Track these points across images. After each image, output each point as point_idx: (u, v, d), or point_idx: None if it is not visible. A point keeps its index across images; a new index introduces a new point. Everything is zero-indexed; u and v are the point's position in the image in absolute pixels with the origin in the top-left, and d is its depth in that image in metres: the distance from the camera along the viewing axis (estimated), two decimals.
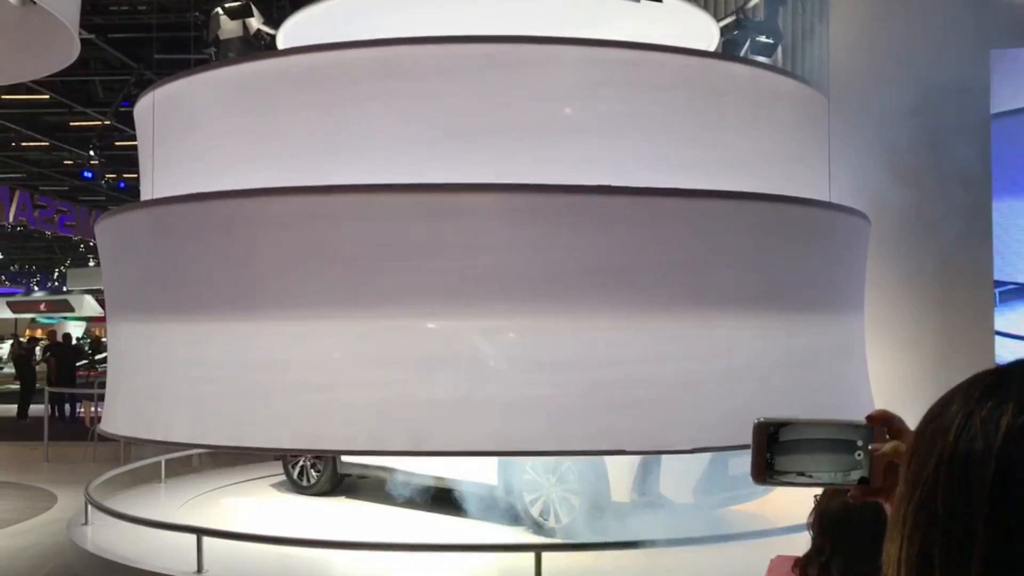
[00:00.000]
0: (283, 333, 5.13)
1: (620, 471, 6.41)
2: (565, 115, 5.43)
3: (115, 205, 14.80)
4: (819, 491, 3.18)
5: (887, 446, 1.12)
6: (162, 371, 5.59)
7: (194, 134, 5.99)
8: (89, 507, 7.18)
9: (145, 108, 6.36)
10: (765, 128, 5.96)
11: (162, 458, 9.12)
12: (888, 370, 7.01)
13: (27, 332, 28.49)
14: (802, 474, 1.13)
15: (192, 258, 5.46)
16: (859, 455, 1.12)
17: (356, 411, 5.02)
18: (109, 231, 6.30)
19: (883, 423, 1.13)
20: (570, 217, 5.10)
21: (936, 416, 0.78)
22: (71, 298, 35.16)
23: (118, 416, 6.07)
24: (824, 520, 3.16)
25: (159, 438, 5.80)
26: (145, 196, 6.39)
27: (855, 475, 1.12)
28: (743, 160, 5.74)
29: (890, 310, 8.06)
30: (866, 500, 1.15)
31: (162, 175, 6.06)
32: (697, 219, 5.30)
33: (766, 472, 1.14)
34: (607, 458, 6.44)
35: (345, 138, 5.36)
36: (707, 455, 6.51)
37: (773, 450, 1.13)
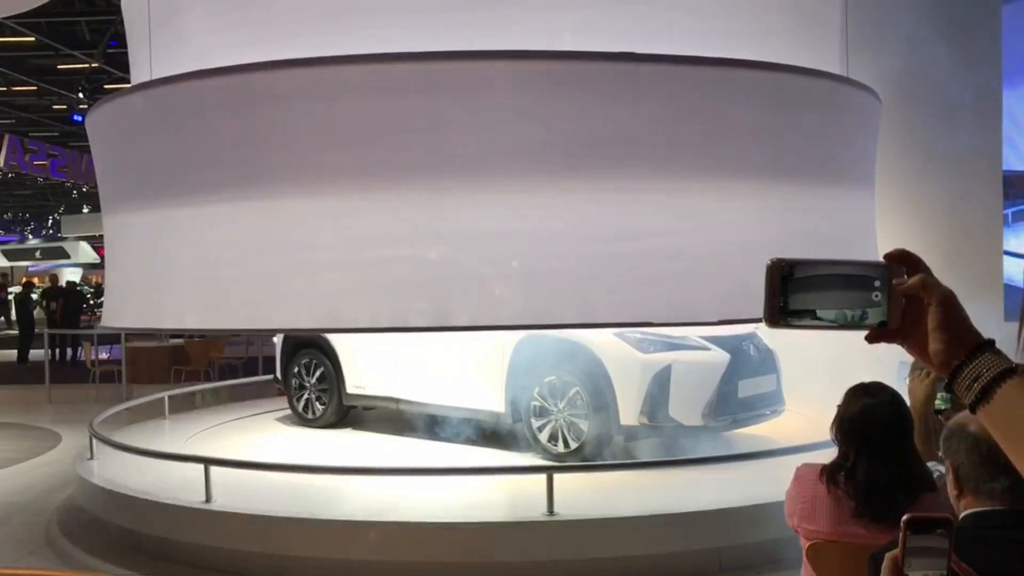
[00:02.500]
0: (297, 212, 5.00)
1: (629, 395, 6.36)
2: None
3: None
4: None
5: (913, 279, 1.07)
6: (170, 258, 5.46)
7: (189, 12, 5.76)
8: (94, 442, 7.12)
9: None
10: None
11: (165, 394, 9.07)
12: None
13: (23, 279, 28.34)
14: (817, 317, 1.06)
15: (196, 139, 5.29)
16: (876, 296, 1.06)
17: (376, 289, 4.92)
18: (105, 120, 6.08)
19: (902, 262, 1.08)
20: (588, 85, 4.94)
21: None
22: (66, 245, 34.96)
23: (123, 309, 5.94)
24: (845, 424, 3.10)
25: (170, 326, 5.69)
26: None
27: (873, 317, 1.06)
28: (759, 32, 5.59)
29: (898, 197, 7.99)
30: (883, 341, 1.09)
31: (159, 58, 5.82)
32: (717, 88, 5.17)
33: (779, 315, 1.07)
34: (616, 383, 6.38)
35: (345, 6, 5.16)
36: (716, 378, 6.48)
37: (787, 292, 1.06)
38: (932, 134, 8.16)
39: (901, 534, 1.10)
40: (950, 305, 1.08)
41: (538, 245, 4.88)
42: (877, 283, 1.06)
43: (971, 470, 2.10)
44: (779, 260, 1.07)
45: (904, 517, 1.10)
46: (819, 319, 1.07)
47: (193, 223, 5.32)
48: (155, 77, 5.70)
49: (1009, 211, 8.38)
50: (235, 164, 5.17)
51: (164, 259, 5.51)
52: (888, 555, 1.11)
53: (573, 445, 6.54)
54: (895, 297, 1.06)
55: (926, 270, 1.09)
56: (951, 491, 2.20)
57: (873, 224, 6.22)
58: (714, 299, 5.09)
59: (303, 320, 5.21)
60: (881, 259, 1.09)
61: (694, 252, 5.06)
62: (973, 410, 1.09)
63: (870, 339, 1.09)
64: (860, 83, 5.98)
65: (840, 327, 1.07)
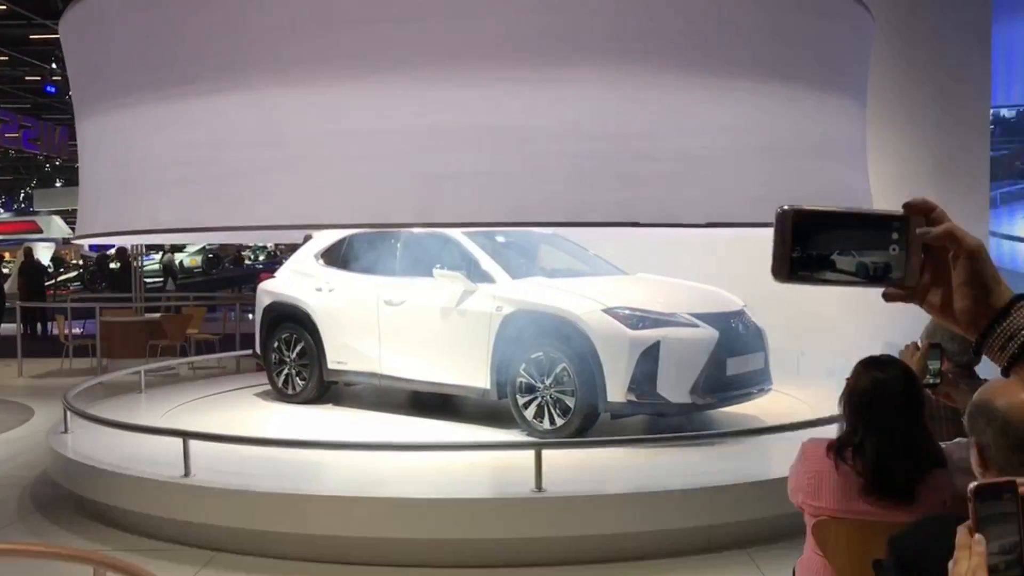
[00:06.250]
0: (276, 105, 4.82)
1: (617, 371, 6.26)
2: None
3: None
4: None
5: (939, 228, 0.97)
6: (143, 158, 5.27)
7: None
8: (68, 415, 6.94)
9: None
10: None
11: (141, 368, 8.89)
12: (880, 193, 6.86)
13: None
14: (830, 270, 0.97)
15: (170, 31, 5.09)
16: (894, 249, 0.97)
17: (358, 184, 4.78)
18: (77, 21, 5.85)
19: (922, 212, 0.98)
20: None
21: None
22: (39, 219, 34.42)
23: (95, 216, 5.75)
24: (854, 398, 3.00)
25: (143, 227, 5.49)
26: None
27: (891, 274, 0.97)
28: None
29: (887, 129, 7.97)
30: (900, 300, 1.00)
31: None
32: None
33: (789, 269, 0.97)
34: (604, 359, 6.28)
35: None
36: (705, 356, 6.40)
37: (797, 244, 0.97)
38: (925, 57, 8.16)
39: (970, 504, 1.01)
40: (980, 257, 0.98)
41: (524, 141, 4.76)
42: (895, 235, 0.97)
43: (998, 452, 2.02)
44: (790, 209, 0.97)
45: (970, 486, 1.01)
46: (837, 272, 0.97)
47: (164, 121, 5.14)
48: None
49: (997, 192, 8.36)
50: (208, 58, 4.99)
51: (135, 160, 5.33)
52: (961, 527, 1.03)
53: (559, 422, 6.44)
54: (914, 251, 0.97)
55: (947, 219, 0.99)
56: (976, 468, 2.11)
57: (864, 142, 6.15)
58: (703, 202, 5.02)
59: (282, 217, 5.07)
60: (899, 209, 1.00)
61: (683, 153, 4.97)
62: (1007, 372, 1.00)
63: (887, 297, 1.00)
64: None
65: (858, 283, 0.98)
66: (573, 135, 4.76)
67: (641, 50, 4.84)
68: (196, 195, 5.08)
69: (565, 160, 4.76)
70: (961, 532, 1.02)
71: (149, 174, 5.25)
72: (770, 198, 5.23)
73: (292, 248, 9.01)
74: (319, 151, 4.78)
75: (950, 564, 1.02)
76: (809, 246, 0.97)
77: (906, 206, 1.00)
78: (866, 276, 0.98)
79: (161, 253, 28.27)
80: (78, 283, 26.84)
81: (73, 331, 13.67)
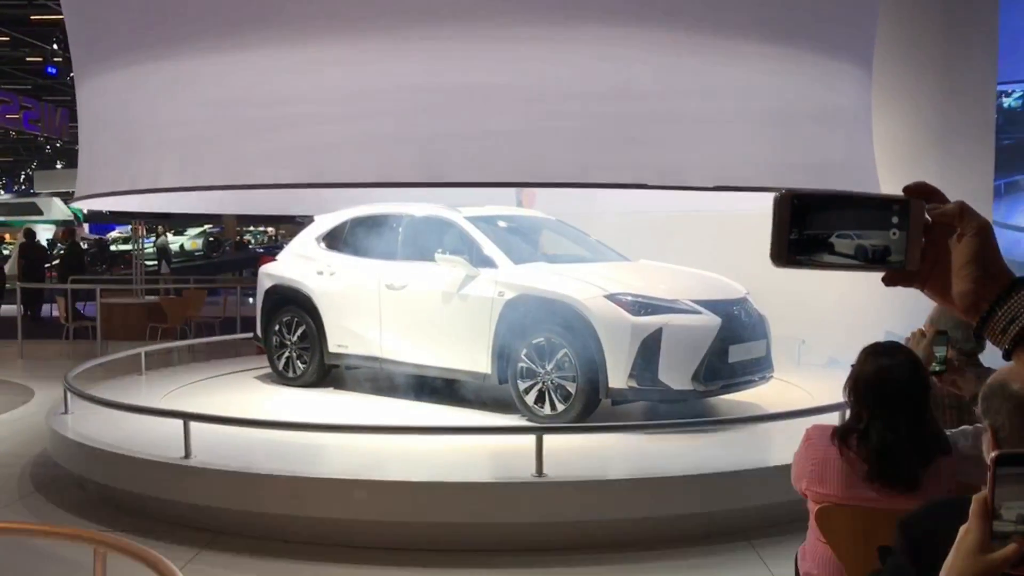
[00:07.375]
0: (282, 62, 4.78)
1: (618, 358, 6.25)
2: None
3: None
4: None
5: (949, 206, 0.96)
6: (145, 117, 5.24)
7: None
8: (69, 396, 6.94)
9: None
10: None
11: (141, 350, 8.88)
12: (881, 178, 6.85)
13: None
14: (829, 253, 0.97)
15: None
16: (895, 234, 0.97)
17: (364, 142, 4.75)
18: None
19: (924, 195, 0.98)
20: None
21: None
22: (39, 201, 34.34)
23: (97, 176, 5.70)
24: (859, 385, 2.99)
25: (145, 187, 5.46)
26: None
27: (890, 257, 0.97)
28: None
29: (889, 113, 7.94)
30: (900, 284, 0.99)
31: None
32: None
33: (787, 253, 0.97)
34: (605, 345, 6.27)
35: None
36: (707, 343, 6.38)
37: (796, 227, 0.97)
38: (929, 33, 8.13)
39: (990, 473, 1.00)
40: (986, 237, 0.97)
41: (532, 100, 4.74)
42: (895, 219, 0.97)
43: (1012, 433, 2.01)
44: (789, 193, 0.97)
45: (992, 454, 1.00)
46: (836, 255, 0.97)
47: (166, 78, 5.09)
48: None
49: (1001, 183, 8.33)
50: (213, 16, 4.94)
51: (138, 119, 5.29)
52: (976, 497, 1.02)
53: (560, 408, 6.44)
54: (915, 235, 0.97)
55: (948, 202, 0.99)
56: (988, 452, 2.10)
57: (870, 110, 6.11)
58: (710, 165, 5.01)
59: (286, 175, 5.03)
60: (900, 193, 1.00)
61: (692, 116, 4.96)
62: (1008, 356, 0.98)
63: (887, 281, 1.00)
64: None
65: (857, 266, 0.98)
66: (581, 95, 4.73)
67: (650, 11, 4.81)
68: (199, 154, 5.04)
69: (573, 120, 4.73)
70: (977, 502, 1.01)
71: (150, 133, 5.21)
72: (778, 162, 5.22)
73: (293, 232, 8.99)
74: (324, 109, 4.74)
75: (961, 530, 1.01)
76: (808, 229, 0.97)
77: (906, 189, 1.00)
78: (865, 259, 0.98)
79: (155, 236, 28.34)
80: None
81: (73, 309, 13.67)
